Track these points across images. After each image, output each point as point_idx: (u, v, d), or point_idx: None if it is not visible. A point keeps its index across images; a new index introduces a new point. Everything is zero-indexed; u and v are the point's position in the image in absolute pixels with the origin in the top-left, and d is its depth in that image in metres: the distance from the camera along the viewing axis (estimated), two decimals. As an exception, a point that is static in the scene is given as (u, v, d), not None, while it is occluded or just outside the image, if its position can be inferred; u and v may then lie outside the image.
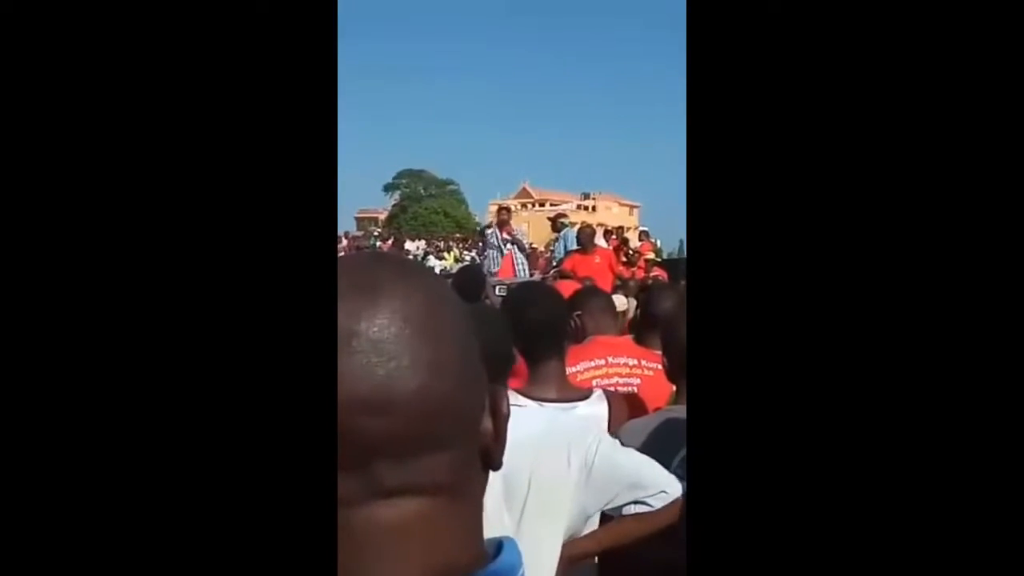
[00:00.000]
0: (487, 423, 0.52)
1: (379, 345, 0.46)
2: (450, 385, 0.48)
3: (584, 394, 1.86)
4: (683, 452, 1.73)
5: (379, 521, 0.47)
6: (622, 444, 1.77)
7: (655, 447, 1.76)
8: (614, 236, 10.86)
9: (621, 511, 1.47)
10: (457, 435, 0.49)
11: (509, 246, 7.55)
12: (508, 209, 8.19)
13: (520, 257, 7.56)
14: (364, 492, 0.46)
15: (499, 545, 0.51)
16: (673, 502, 1.44)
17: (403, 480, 0.47)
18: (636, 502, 1.45)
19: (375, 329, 0.47)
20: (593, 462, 1.41)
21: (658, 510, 1.44)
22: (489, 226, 8.34)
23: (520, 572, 0.50)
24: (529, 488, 1.33)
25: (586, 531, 1.50)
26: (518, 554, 0.51)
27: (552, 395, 1.78)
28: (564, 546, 1.42)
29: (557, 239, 8.64)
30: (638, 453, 1.59)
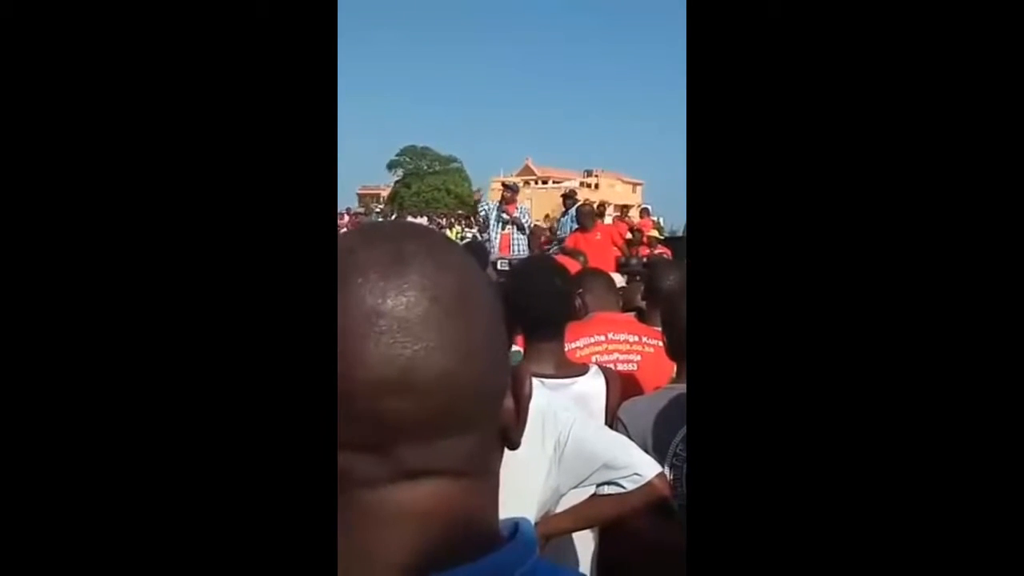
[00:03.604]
0: (509, 402, 0.51)
1: (406, 325, 0.45)
2: (477, 368, 0.47)
3: (581, 370, 1.85)
4: (684, 430, 1.74)
5: (401, 502, 0.46)
6: (623, 422, 1.78)
7: (657, 425, 1.77)
8: (618, 215, 10.81)
9: (595, 490, 1.47)
10: (481, 418, 0.48)
11: (508, 226, 7.48)
12: (512, 187, 8.06)
13: (518, 236, 7.49)
14: (386, 473, 0.45)
15: (515, 525, 0.51)
16: (647, 484, 1.43)
17: (426, 462, 0.46)
18: (609, 483, 1.45)
19: (402, 308, 0.45)
20: (566, 441, 1.41)
21: (631, 491, 1.44)
22: (479, 201, 8.23)
23: (536, 552, 0.50)
24: (504, 465, 1.32)
25: (560, 509, 1.50)
26: (534, 533, 0.51)
27: (550, 371, 1.77)
28: (538, 524, 1.42)
29: (565, 214, 8.60)
30: (614, 433, 1.59)
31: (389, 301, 0.45)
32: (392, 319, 0.45)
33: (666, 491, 1.47)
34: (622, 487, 1.44)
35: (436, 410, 0.45)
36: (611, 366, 2.15)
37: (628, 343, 2.34)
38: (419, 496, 0.46)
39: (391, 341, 0.44)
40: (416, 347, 0.45)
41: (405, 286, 0.45)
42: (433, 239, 0.50)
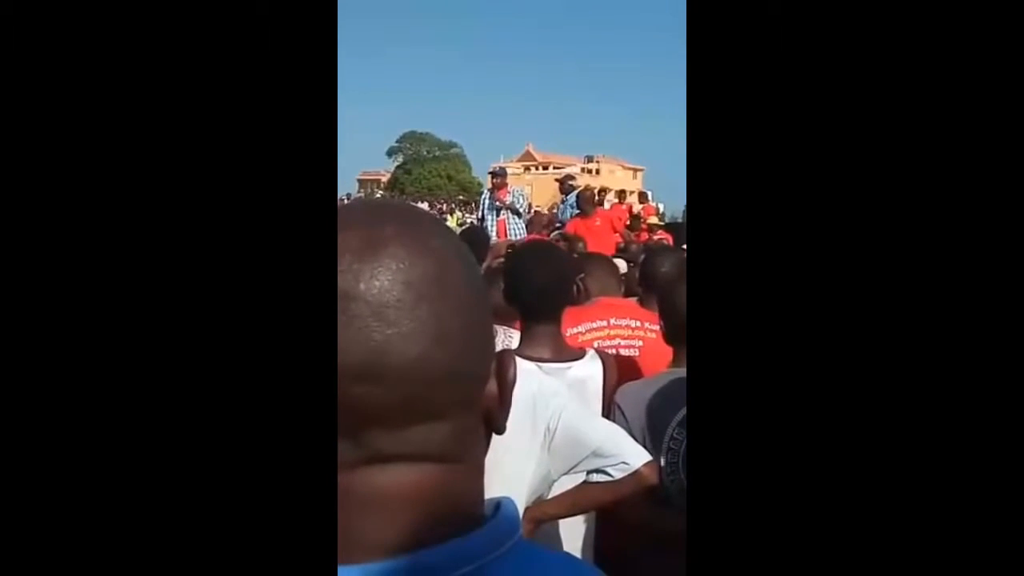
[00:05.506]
0: (492, 387, 0.50)
1: (378, 310, 0.44)
2: (453, 354, 0.46)
3: (578, 355, 1.85)
4: (680, 414, 1.74)
5: (373, 486, 0.46)
6: (620, 406, 1.79)
7: (653, 409, 1.77)
8: (618, 201, 10.78)
9: (585, 477, 1.48)
10: (458, 404, 0.47)
11: (503, 212, 7.44)
12: (500, 173, 7.99)
13: (514, 221, 7.45)
14: (358, 457, 0.45)
15: (497, 504, 0.50)
16: (634, 472, 1.44)
17: (399, 448, 0.45)
18: (597, 471, 1.46)
19: (375, 292, 0.44)
20: (556, 428, 1.42)
21: (619, 479, 1.45)
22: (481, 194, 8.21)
23: (518, 533, 0.50)
24: (494, 450, 1.31)
25: (552, 494, 1.51)
26: (516, 512, 0.51)
27: (547, 355, 1.77)
28: (529, 509, 1.44)
29: (563, 200, 8.58)
30: (605, 421, 1.60)
31: (362, 285, 0.44)
32: (364, 303, 0.44)
33: (654, 480, 1.48)
34: (610, 475, 1.45)
35: (408, 397, 0.45)
36: (613, 351, 2.15)
37: (630, 328, 2.34)
38: (391, 480, 0.46)
39: (363, 326, 0.44)
40: (389, 332, 0.44)
41: (379, 270, 0.45)
42: (411, 222, 0.48)
